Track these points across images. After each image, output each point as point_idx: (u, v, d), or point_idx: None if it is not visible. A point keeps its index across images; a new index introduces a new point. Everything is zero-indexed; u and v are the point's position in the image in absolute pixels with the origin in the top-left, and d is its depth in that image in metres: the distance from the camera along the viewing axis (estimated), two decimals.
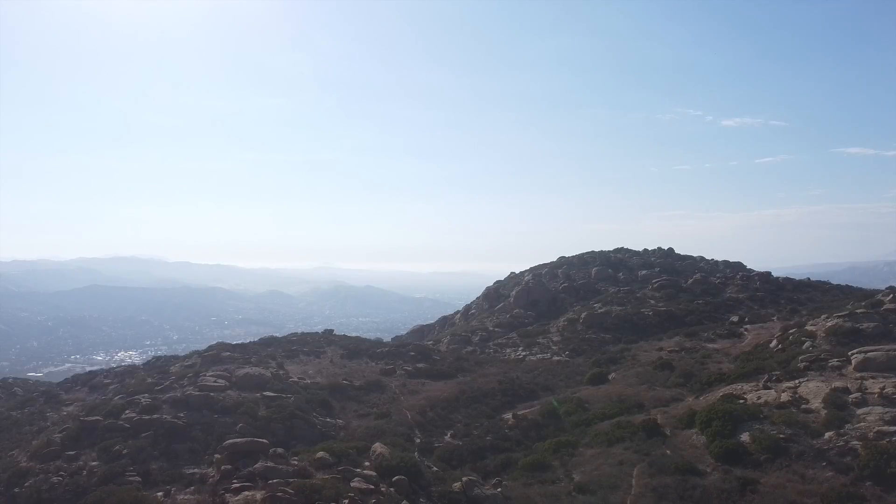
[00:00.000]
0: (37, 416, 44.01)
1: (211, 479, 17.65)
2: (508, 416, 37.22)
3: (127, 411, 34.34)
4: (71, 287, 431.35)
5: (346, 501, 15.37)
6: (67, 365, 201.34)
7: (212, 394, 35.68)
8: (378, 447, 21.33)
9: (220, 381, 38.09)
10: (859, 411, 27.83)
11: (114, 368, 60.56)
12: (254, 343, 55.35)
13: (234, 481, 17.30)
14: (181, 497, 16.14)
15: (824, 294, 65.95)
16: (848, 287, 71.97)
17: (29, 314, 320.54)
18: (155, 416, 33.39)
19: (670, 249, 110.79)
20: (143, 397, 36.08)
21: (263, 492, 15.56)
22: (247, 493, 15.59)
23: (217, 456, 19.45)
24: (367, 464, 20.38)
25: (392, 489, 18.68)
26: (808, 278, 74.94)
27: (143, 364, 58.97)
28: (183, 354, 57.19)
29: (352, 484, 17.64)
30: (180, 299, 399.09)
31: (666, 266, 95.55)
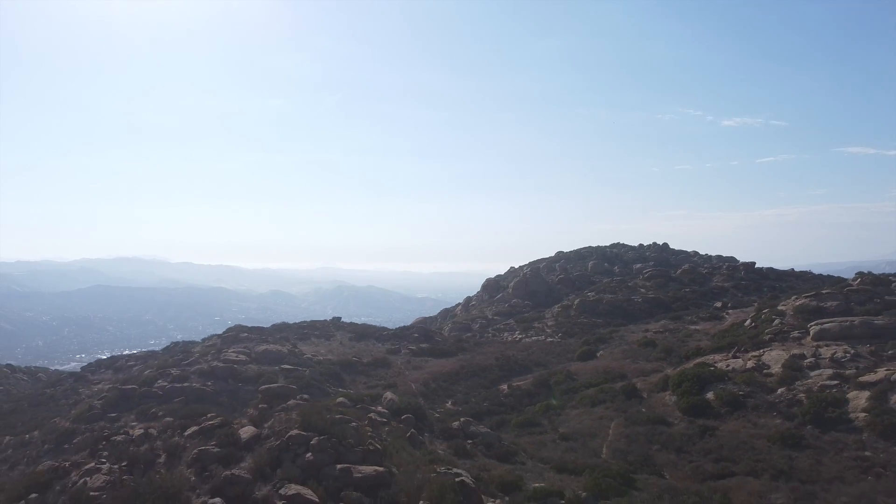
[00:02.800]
0: (70, 392, 47.66)
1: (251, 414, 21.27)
2: (504, 387, 40.86)
3: (159, 381, 38.00)
4: (74, 287, 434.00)
5: (366, 421, 19.01)
6: (73, 364, 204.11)
7: (235, 366, 39.37)
8: (389, 394, 25.00)
9: (241, 356, 41.79)
10: (812, 373, 31.53)
11: (134, 353, 64.14)
12: (268, 328, 59.03)
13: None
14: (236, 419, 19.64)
15: (805, 282, 69.34)
16: (829, 276, 75.36)
17: (34, 314, 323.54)
18: (185, 384, 37.06)
19: (665, 244, 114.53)
20: (173, 369, 39.77)
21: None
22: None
23: (256, 399, 23.08)
24: (380, 407, 24.05)
25: (401, 424, 22.37)
26: (793, 269, 78.48)
27: (163, 349, 62.57)
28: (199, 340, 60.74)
29: (369, 416, 21.30)
30: (183, 299, 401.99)
31: (660, 260, 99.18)
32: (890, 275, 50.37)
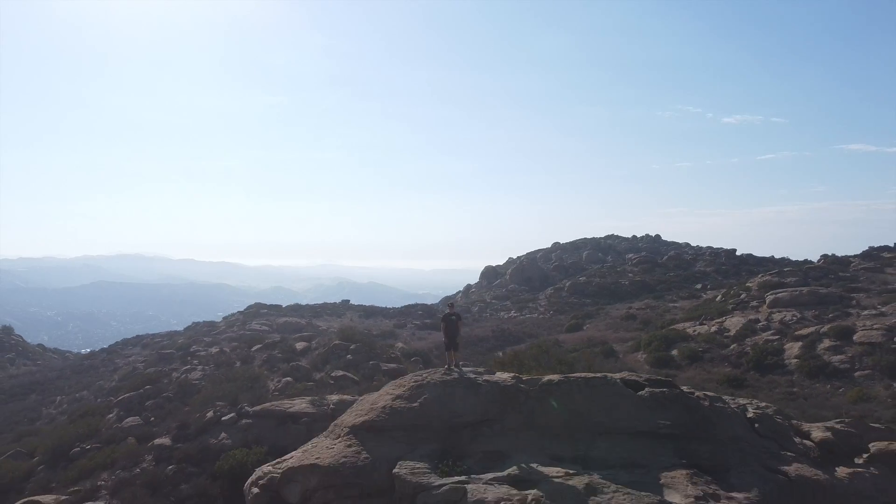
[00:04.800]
0: (107, 363, 52.68)
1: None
2: (499, 354, 45.82)
3: (193, 346, 42.84)
4: (77, 283, 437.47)
5: (392, 353, 24.03)
6: None
7: (260, 334, 44.30)
8: (399, 344, 29.99)
9: (264, 327, 46.77)
10: (763, 333, 36.52)
11: (159, 332, 69.06)
12: (284, 307, 64.04)
13: None
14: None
15: (783, 268, 74.25)
16: (807, 261, 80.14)
17: (38, 309, 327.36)
18: (217, 349, 41.99)
19: (657, 236, 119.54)
20: (205, 337, 44.72)
21: None
22: None
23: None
24: (393, 353, 29.05)
25: (411, 364, 27.35)
26: (773, 256, 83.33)
27: (185, 328, 67.46)
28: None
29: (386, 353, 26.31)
30: (186, 295, 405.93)
31: (652, 250, 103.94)
32: (851, 256, 55.30)
